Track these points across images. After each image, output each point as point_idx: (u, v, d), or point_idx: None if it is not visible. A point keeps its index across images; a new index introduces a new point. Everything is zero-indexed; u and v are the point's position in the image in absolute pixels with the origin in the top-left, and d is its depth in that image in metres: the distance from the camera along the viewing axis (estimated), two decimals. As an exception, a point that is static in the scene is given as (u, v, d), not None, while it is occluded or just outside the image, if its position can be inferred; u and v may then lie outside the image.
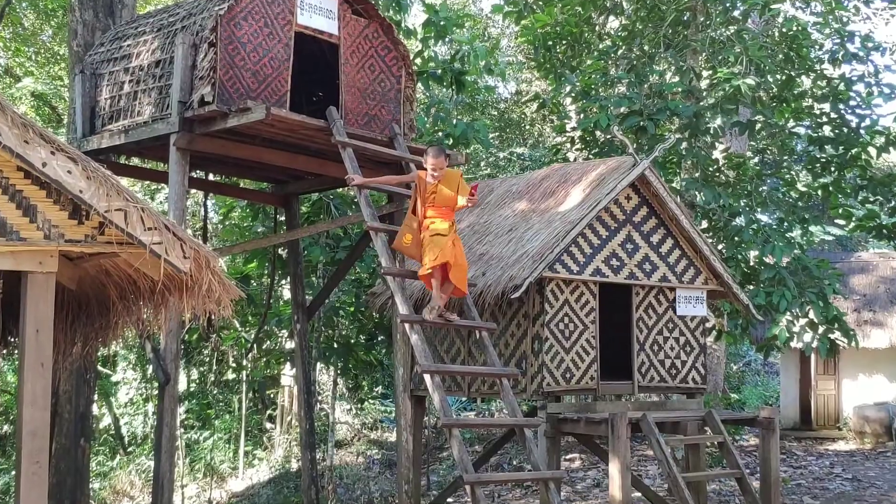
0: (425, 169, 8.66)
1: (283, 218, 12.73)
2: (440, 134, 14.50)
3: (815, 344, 13.89)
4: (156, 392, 15.76)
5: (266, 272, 15.54)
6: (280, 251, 14.05)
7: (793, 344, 14.58)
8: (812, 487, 13.42)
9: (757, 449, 14.86)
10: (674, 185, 14.98)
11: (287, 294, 17.03)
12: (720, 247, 14.11)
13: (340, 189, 14.25)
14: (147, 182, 17.65)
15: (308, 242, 13.59)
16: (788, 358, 18.96)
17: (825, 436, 18.04)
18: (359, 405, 21.38)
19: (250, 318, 16.75)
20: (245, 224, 15.66)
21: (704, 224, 14.68)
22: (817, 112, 15.24)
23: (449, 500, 13.10)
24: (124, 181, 6.05)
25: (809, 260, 13.85)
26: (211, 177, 12.04)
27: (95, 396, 18.39)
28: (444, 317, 8.74)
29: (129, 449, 19.47)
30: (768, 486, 10.32)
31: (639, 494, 12.01)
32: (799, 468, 15.07)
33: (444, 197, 8.59)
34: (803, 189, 15.55)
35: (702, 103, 14.11)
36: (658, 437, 9.51)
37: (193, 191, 16.44)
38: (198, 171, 11.56)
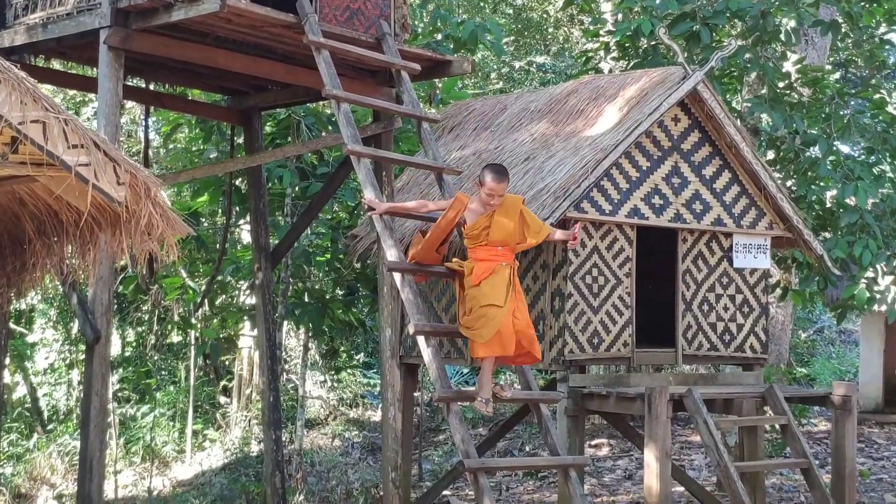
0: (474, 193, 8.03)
1: (241, 140, 12.69)
2: (440, 36, 14.40)
3: (902, 307, 13.92)
4: (82, 357, 15.87)
5: (220, 208, 15.53)
6: (238, 182, 14.03)
7: (876, 307, 14.62)
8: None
9: (828, 435, 15.01)
10: (733, 104, 14.90)
11: (246, 236, 17.06)
12: (789, 183, 14.09)
13: (314, 104, 14.19)
14: (71, 92, 17.59)
15: (275, 164, 13.56)
16: (871, 324, 19.02)
17: (913, 421, 18.19)
18: (335, 376, 21.54)
19: (200, 266, 16.79)
20: (194, 148, 15.62)
21: (771, 155, 14.64)
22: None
23: (445, 492, 13.28)
24: (43, 89, 6.01)
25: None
26: (152, 86, 11.97)
27: (7, 360, 18.51)
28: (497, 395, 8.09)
29: (49, 426, 19.64)
30: (841, 479, 10.44)
31: (681, 489, 12.16)
32: (880, 459, 15.23)
33: (504, 233, 7.84)
34: (895, 112, 15.47)
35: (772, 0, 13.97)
36: (706, 417, 9.60)
37: (130, 104, 16.38)
38: (135, 79, 11.49)
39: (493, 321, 7.60)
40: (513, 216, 7.85)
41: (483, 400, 7.87)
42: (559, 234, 8.14)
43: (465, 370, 19.58)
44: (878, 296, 13.69)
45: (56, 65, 11.37)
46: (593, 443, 16.87)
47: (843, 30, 14.61)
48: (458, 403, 8.09)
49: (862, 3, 14.57)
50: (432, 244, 8.23)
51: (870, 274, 13.50)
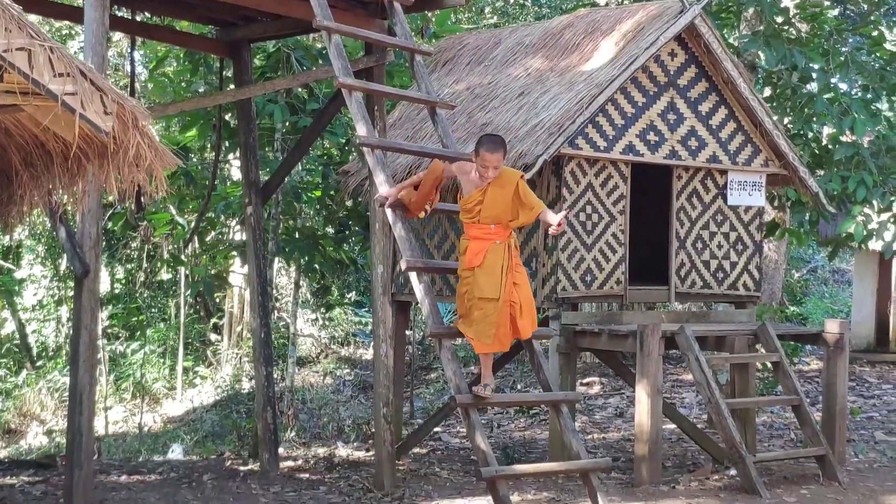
0: (469, 160, 7.75)
1: (230, 73, 12.58)
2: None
3: (897, 246, 13.95)
4: (70, 293, 15.87)
5: (209, 143, 15.44)
6: (227, 117, 13.94)
7: (871, 245, 14.65)
8: (887, 421, 13.71)
9: (820, 374, 15.13)
10: (731, 40, 14.80)
11: (236, 173, 16.98)
12: (786, 121, 14.05)
13: (304, 37, 14.04)
14: (57, 25, 17.40)
15: (264, 100, 13.47)
16: (864, 263, 19.10)
17: (905, 360, 18.33)
18: (326, 314, 21.61)
19: (190, 203, 16.74)
20: (181, 81, 15.48)
21: (767, 91, 14.59)
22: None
23: (437, 429, 13.38)
24: (27, 18, 5.91)
25: (896, 138, 13.83)
26: (139, 17, 11.83)
27: (-5, 295, 18.48)
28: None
29: (38, 363, 19.73)
30: (832, 416, 10.55)
31: (672, 426, 12.27)
32: (871, 398, 15.37)
33: (497, 209, 7.51)
34: (893, 49, 15.39)
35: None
36: (698, 354, 9.66)
37: (117, 37, 16.20)
38: (122, 9, 11.35)
39: (490, 318, 7.45)
40: (507, 191, 7.52)
41: (483, 386, 7.69)
42: (550, 216, 7.57)
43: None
44: (874, 232, 13.68)
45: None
46: (585, 381, 16.99)
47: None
48: (450, 340, 8.12)
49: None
50: (420, 201, 8.11)
51: (867, 210, 13.49)
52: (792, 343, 14.89)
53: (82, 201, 6.55)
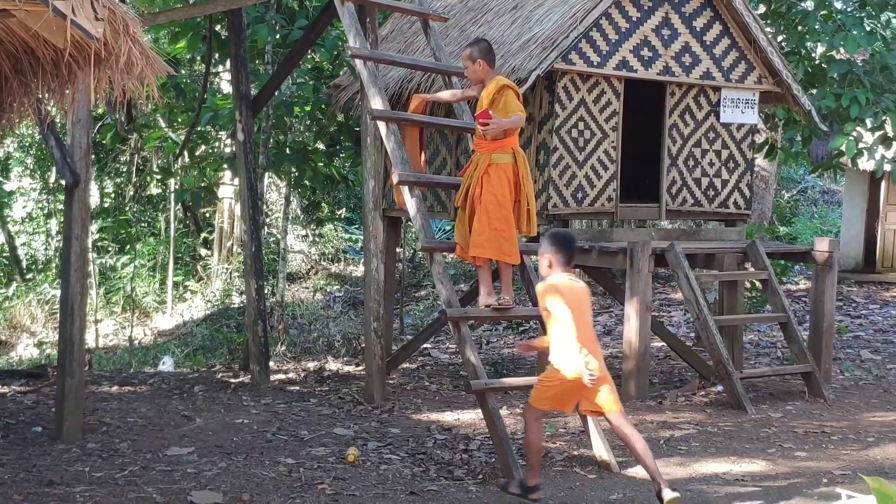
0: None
1: (220, -16, 12.42)
2: None
3: (888, 165, 13.96)
4: (60, 207, 15.87)
5: (199, 55, 15.31)
6: (217, 28, 13.79)
7: (861, 163, 14.65)
8: (873, 341, 13.86)
9: (807, 295, 15.25)
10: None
11: (226, 87, 16.86)
12: (780, 39, 13.96)
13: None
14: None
15: (252, 17, 13.31)
16: (854, 183, 19.14)
17: (893, 280, 18.48)
18: (316, 230, 21.64)
19: (179, 116, 16.63)
20: (171, -8, 15.27)
21: (762, 8, 14.48)
22: None
23: (426, 345, 13.50)
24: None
25: (891, 57, 13.73)
26: (126, -75, 11.65)
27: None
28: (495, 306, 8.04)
29: (28, 275, 19.77)
30: (819, 334, 10.66)
31: (660, 344, 12.40)
32: (858, 318, 15.52)
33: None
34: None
35: None
36: (687, 271, 9.73)
37: (103, -54, 15.89)
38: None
39: (461, 226, 7.72)
40: (485, 103, 7.56)
41: (498, 299, 8.06)
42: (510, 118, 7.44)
43: (449, 227, 19.66)
44: (865, 151, 13.67)
45: None
46: (574, 299, 17.05)
47: None
48: (442, 254, 8.17)
49: None
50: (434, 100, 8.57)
51: (859, 129, 13.45)
52: (781, 262, 14.99)
53: (72, 109, 6.51)
